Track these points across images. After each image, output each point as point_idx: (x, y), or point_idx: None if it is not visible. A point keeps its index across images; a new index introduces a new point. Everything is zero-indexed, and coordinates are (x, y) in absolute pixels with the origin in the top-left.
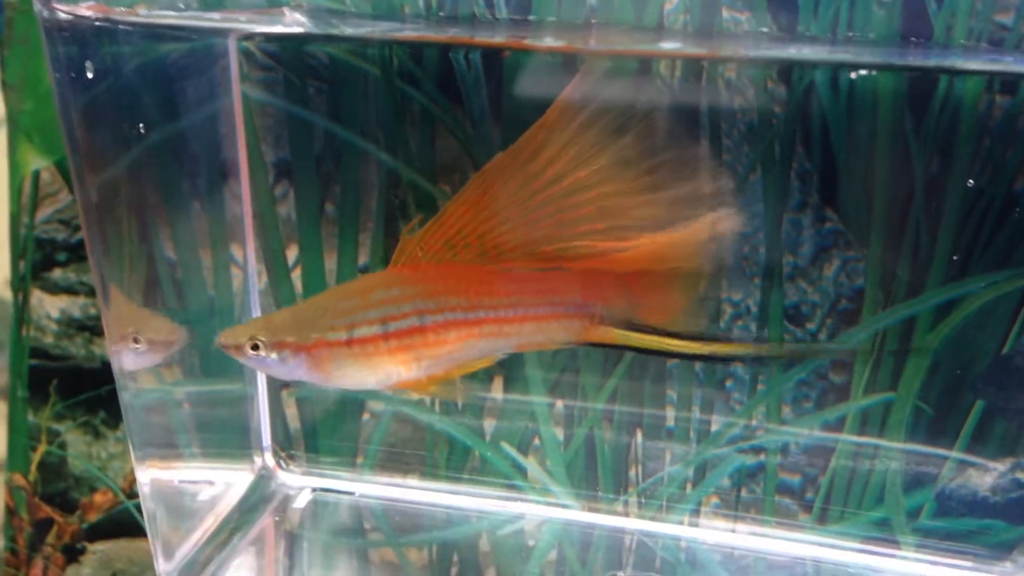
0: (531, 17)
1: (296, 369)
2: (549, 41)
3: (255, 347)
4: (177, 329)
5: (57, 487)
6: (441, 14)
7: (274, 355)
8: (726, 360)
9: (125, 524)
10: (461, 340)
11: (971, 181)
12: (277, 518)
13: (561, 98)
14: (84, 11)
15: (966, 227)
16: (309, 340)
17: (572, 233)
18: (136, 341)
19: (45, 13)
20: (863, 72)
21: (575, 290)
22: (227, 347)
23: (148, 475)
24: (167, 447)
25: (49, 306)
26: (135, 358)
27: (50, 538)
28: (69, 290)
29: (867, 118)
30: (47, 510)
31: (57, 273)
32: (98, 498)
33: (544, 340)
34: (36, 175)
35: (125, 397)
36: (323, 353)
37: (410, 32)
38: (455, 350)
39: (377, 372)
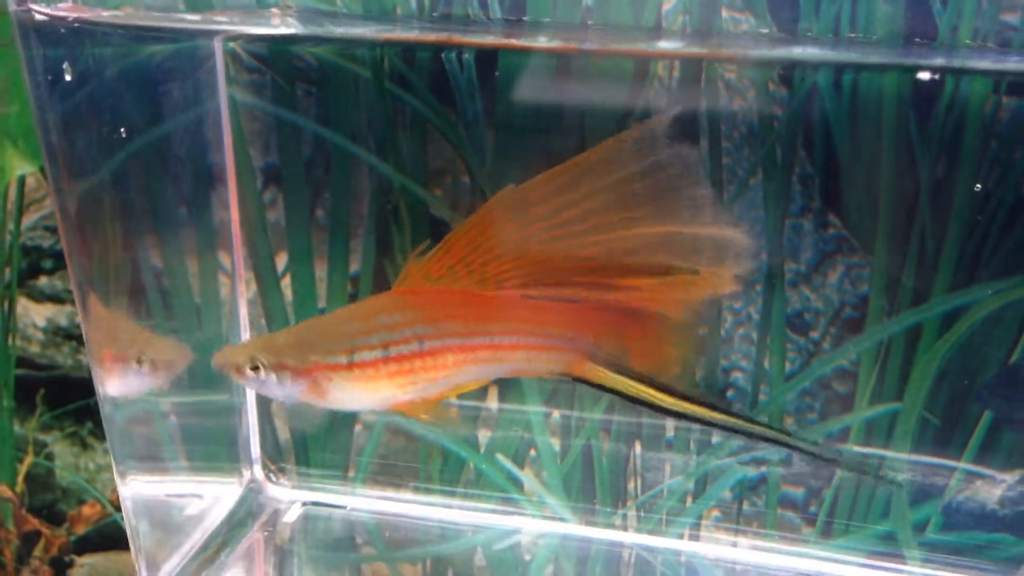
0: (526, 18)
1: (294, 391)
2: (543, 41)
3: (255, 368)
4: (183, 348)
5: (45, 499)
6: (434, 15)
7: (273, 377)
8: (705, 424)
9: (114, 537)
10: (458, 365)
11: (978, 185)
12: (266, 533)
13: (592, 154)
14: (61, 11)
15: (973, 233)
16: (309, 363)
17: (572, 271)
18: (140, 362)
19: (20, 14)
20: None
21: (567, 323)
22: (225, 367)
23: (130, 489)
24: (152, 460)
25: (35, 314)
26: (138, 381)
27: (38, 551)
28: (55, 298)
29: (871, 120)
30: (35, 522)
31: (43, 281)
32: (86, 510)
33: (534, 369)
34: (21, 181)
35: (106, 409)
36: (323, 376)
37: (401, 32)
38: (451, 374)
39: (375, 395)
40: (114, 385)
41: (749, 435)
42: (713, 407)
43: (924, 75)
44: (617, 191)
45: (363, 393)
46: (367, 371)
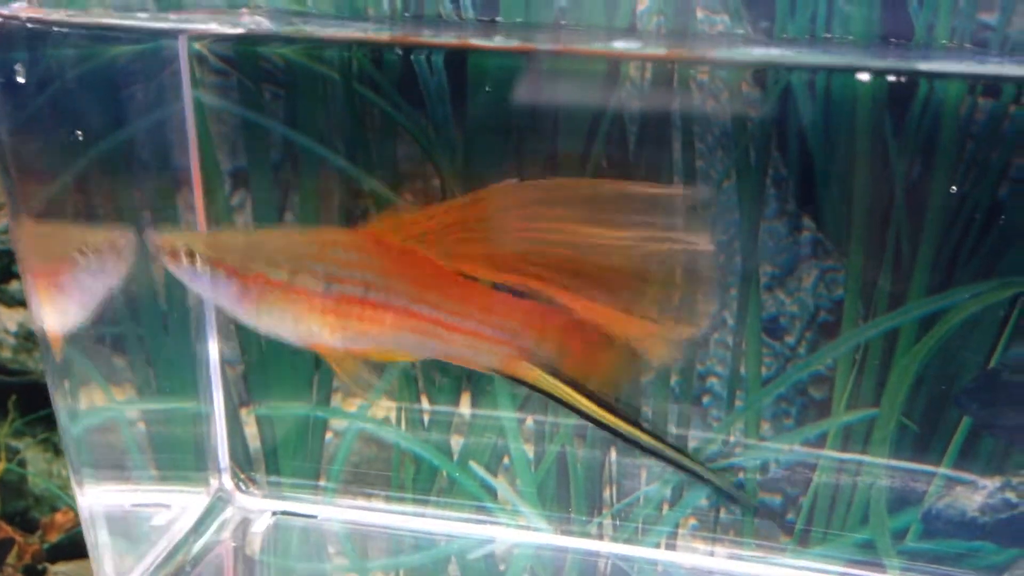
0: (499, 18)
1: (223, 293)
2: (501, 41)
3: (190, 256)
4: (123, 232)
5: (17, 506)
6: (406, 15)
7: (208, 272)
8: (625, 440)
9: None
10: (394, 327)
11: (954, 187)
12: (235, 543)
13: (608, 186)
14: (13, 11)
15: (949, 235)
16: (249, 269)
17: (541, 277)
18: (83, 253)
19: None
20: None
21: (514, 318)
22: (162, 249)
23: (89, 499)
24: (116, 468)
25: (6, 319)
26: (91, 278)
27: (11, 558)
28: (26, 302)
29: (845, 122)
30: (7, 530)
31: (14, 285)
32: (59, 518)
33: (470, 357)
34: None
35: (62, 418)
36: (257, 287)
37: (372, 33)
38: (385, 334)
39: (299, 326)
40: (69, 302)
41: (656, 455)
42: (635, 424)
43: (899, 76)
44: (621, 229)
45: (288, 319)
46: (300, 297)
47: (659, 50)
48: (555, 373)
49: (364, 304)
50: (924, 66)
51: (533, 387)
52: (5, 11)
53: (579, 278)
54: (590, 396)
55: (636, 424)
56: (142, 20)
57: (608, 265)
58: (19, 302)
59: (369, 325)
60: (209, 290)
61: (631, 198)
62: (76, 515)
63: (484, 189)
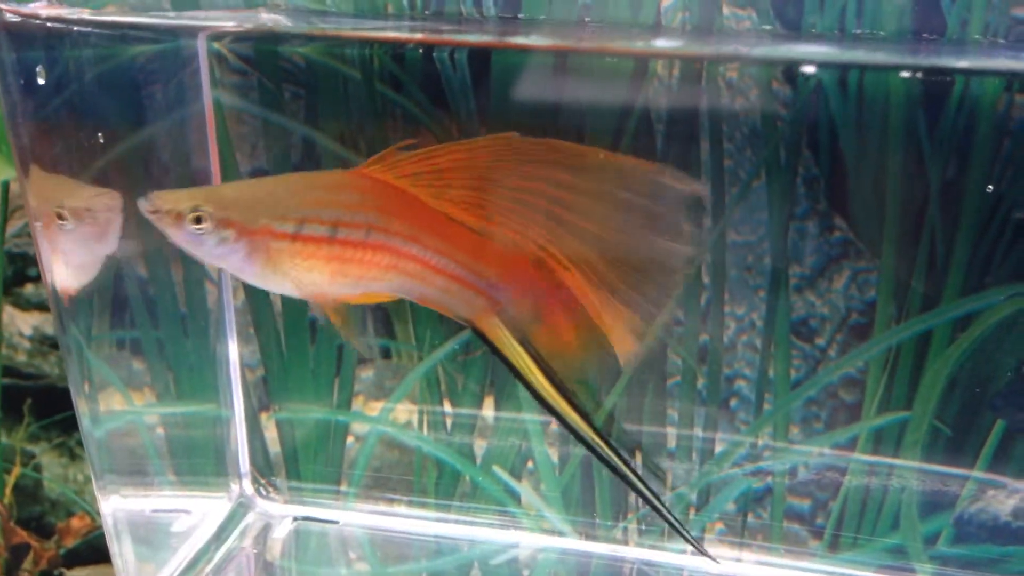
0: (521, 16)
1: (230, 255)
2: (535, 40)
3: (197, 220)
4: (108, 193)
5: (33, 511)
6: (427, 13)
7: (215, 234)
8: (569, 429)
9: (103, 550)
10: (387, 268)
11: (990, 186)
12: (256, 549)
13: (606, 157)
14: (33, 10)
15: (985, 235)
16: (256, 225)
17: (522, 231)
18: (61, 217)
19: None
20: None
21: (495, 268)
22: (161, 214)
23: (112, 505)
24: (136, 474)
25: (21, 323)
26: (68, 240)
27: (27, 564)
28: (42, 306)
29: (878, 120)
30: (23, 535)
31: (29, 288)
32: (75, 523)
33: (447, 303)
34: (6, 186)
35: (85, 424)
36: (265, 242)
37: (392, 32)
38: (376, 276)
39: (306, 277)
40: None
41: (596, 455)
42: (584, 417)
43: (933, 73)
44: (610, 202)
45: (296, 271)
46: (308, 247)
47: (681, 45)
48: (523, 342)
49: (365, 247)
50: (959, 63)
51: (497, 352)
52: (25, 10)
53: (557, 240)
54: (549, 377)
55: (586, 418)
56: (159, 18)
57: (587, 232)
58: (34, 306)
59: (366, 269)
60: (215, 253)
61: (618, 171)
62: (92, 520)
63: (484, 138)
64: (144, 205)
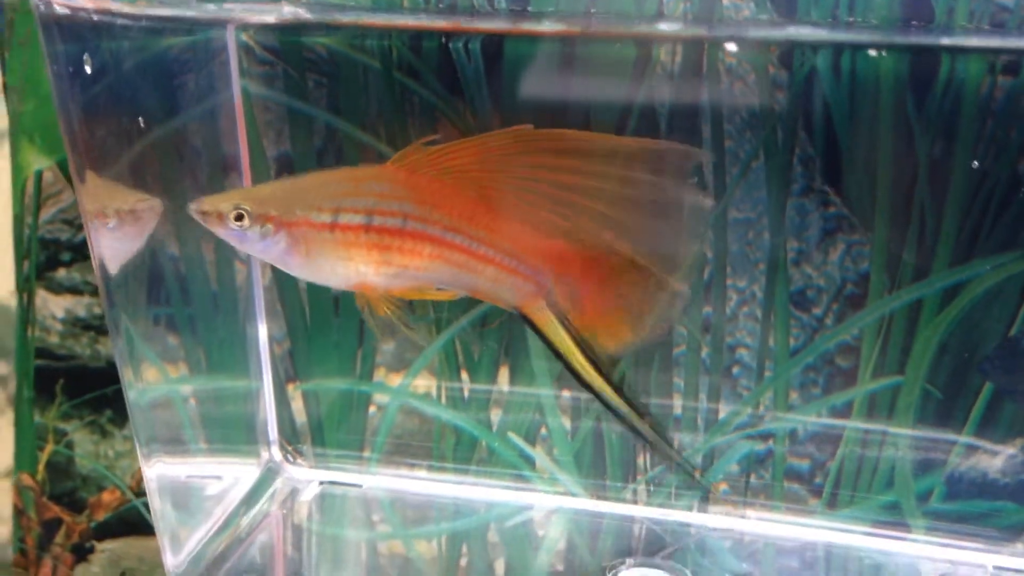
0: (530, 8)
1: (272, 247)
2: (548, 26)
3: (239, 218)
4: (147, 200)
5: (65, 486)
6: (440, 5)
7: (256, 229)
8: (606, 406)
9: (133, 522)
10: (431, 258)
11: (975, 163)
12: (284, 511)
13: (616, 142)
14: (81, 3)
15: (971, 209)
16: (294, 216)
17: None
18: (105, 216)
19: (42, 8)
20: (872, 53)
21: (537, 253)
22: (207, 215)
23: (155, 471)
24: (173, 443)
25: (54, 306)
26: (111, 239)
27: (59, 538)
28: (73, 290)
29: (869, 101)
30: (55, 510)
31: (61, 273)
32: (106, 497)
33: (494, 292)
34: (39, 176)
35: (131, 395)
36: (304, 233)
37: (411, 20)
38: (422, 267)
39: (348, 266)
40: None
41: (633, 430)
42: (624, 397)
43: (921, 56)
44: (619, 185)
45: (337, 261)
46: (347, 235)
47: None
48: (564, 323)
49: (404, 235)
50: (941, 40)
51: (540, 334)
52: (73, 2)
53: (583, 219)
54: (587, 356)
55: (622, 395)
56: (188, 9)
57: (599, 213)
58: (67, 289)
59: (409, 258)
60: (258, 247)
61: (621, 150)
62: (122, 494)
63: (499, 131)
64: (192, 208)
